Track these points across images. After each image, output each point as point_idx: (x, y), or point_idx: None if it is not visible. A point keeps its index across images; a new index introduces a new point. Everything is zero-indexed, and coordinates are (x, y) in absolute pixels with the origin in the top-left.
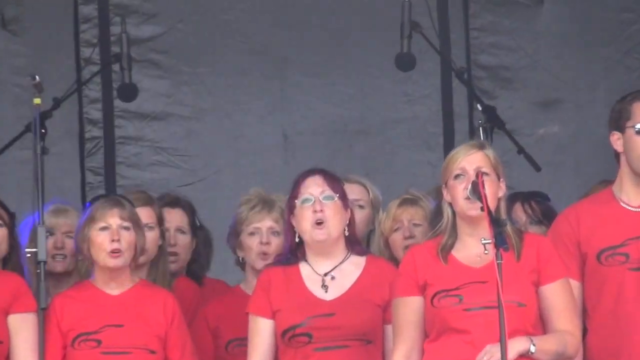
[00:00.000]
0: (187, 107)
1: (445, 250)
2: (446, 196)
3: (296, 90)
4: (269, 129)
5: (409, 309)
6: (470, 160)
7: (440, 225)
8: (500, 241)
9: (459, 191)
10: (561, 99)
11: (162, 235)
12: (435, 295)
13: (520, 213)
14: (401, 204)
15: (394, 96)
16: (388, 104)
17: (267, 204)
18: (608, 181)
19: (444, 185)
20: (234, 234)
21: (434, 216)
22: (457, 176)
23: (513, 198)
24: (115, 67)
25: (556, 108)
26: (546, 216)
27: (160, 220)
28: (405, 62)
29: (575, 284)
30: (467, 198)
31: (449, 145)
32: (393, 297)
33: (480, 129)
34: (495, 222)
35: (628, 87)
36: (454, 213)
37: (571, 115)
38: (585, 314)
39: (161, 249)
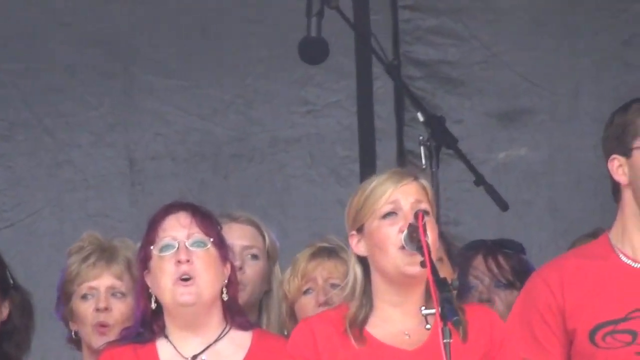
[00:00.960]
0: None
1: (357, 326)
2: (356, 248)
3: (146, 95)
4: (108, 151)
5: None
6: (404, 191)
7: (346, 291)
8: (449, 311)
9: (391, 237)
10: (531, 109)
11: None
12: None
13: (482, 271)
14: (314, 256)
15: (289, 105)
16: (280, 116)
17: (105, 253)
18: (596, 232)
19: (353, 233)
20: (63, 298)
21: None
22: (385, 215)
23: (472, 249)
24: None
25: (523, 122)
26: (520, 276)
27: None
28: (314, 51)
29: None
30: (403, 248)
31: (367, 174)
32: None
33: (422, 148)
34: (442, 283)
35: (626, 92)
36: (365, 272)
37: (545, 133)
38: None
39: None
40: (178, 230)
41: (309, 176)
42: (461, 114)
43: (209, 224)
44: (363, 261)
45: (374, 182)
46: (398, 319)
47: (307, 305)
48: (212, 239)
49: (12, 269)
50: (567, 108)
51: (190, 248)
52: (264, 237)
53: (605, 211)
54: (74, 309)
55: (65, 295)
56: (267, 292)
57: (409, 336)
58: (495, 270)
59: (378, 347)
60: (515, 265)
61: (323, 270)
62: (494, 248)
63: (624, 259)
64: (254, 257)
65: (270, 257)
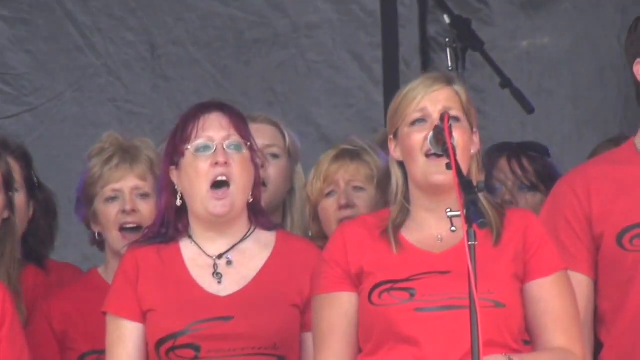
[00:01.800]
0: None
1: (393, 230)
2: (394, 152)
3: None
4: (129, 35)
5: (336, 310)
6: (434, 98)
7: (388, 194)
8: (474, 214)
9: (418, 143)
10: None
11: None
12: (375, 287)
13: (506, 173)
14: (337, 158)
15: None
16: (302, 1)
17: (128, 155)
18: (618, 138)
19: (390, 137)
20: (85, 200)
21: (384, 178)
22: (415, 122)
23: (496, 152)
24: None
25: (547, 10)
26: (544, 179)
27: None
28: None
29: (583, 280)
30: (429, 155)
31: (390, 61)
32: (314, 293)
33: (448, 50)
34: (467, 186)
35: None
36: (405, 177)
37: (568, 21)
38: (599, 323)
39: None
40: (216, 130)
41: (331, 62)
42: (485, 1)
43: (244, 127)
44: (403, 165)
45: (408, 87)
46: (432, 223)
47: (330, 207)
48: (247, 143)
49: (33, 153)
50: None
51: (228, 150)
52: (284, 136)
53: (628, 101)
54: (97, 212)
55: (87, 198)
56: (291, 193)
57: (442, 240)
58: (519, 172)
59: (409, 249)
60: (539, 168)
61: (345, 173)
62: (518, 150)
63: None
64: (275, 156)
65: (292, 156)
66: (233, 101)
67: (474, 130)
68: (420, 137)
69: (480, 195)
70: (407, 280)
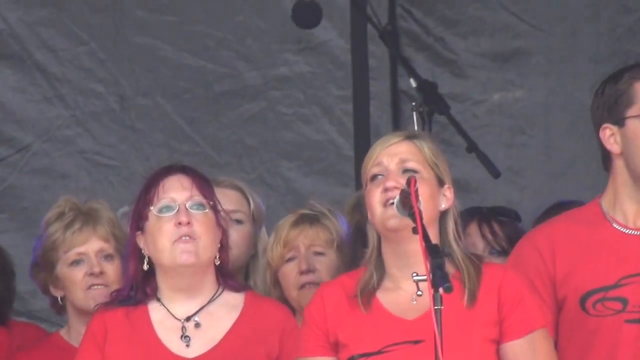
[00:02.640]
0: None
1: (367, 292)
2: (369, 213)
3: (137, 31)
4: (98, 87)
5: None
6: (391, 152)
7: (365, 257)
8: (440, 278)
9: (375, 195)
10: (526, 49)
11: None
12: None
13: (475, 238)
14: (296, 223)
15: (282, 42)
16: (272, 53)
17: (89, 218)
18: (573, 203)
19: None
20: (45, 266)
21: (351, 240)
22: (373, 178)
23: (466, 216)
24: None
25: (519, 63)
26: (514, 244)
27: None
28: (307, 15)
29: None
30: (386, 203)
31: (361, 114)
32: (296, 355)
33: (415, 114)
34: (433, 249)
35: (622, 33)
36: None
37: (541, 74)
38: None
39: None
40: (178, 191)
41: (301, 114)
42: (456, 55)
43: (207, 188)
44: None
45: (372, 147)
46: (407, 284)
47: (290, 273)
48: (211, 203)
49: (1, 204)
50: (563, 49)
51: (191, 210)
52: (248, 201)
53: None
54: (60, 276)
55: (47, 263)
56: (254, 256)
57: (417, 302)
58: (490, 237)
59: (382, 315)
60: (509, 232)
61: (305, 238)
62: (488, 215)
63: (615, 225)
64: (239, 221)
65: (256, 221)
66: (202, 153)
67: (447, 186)
68: (377, 191)
69: (458, 249)
70: (379, 353)
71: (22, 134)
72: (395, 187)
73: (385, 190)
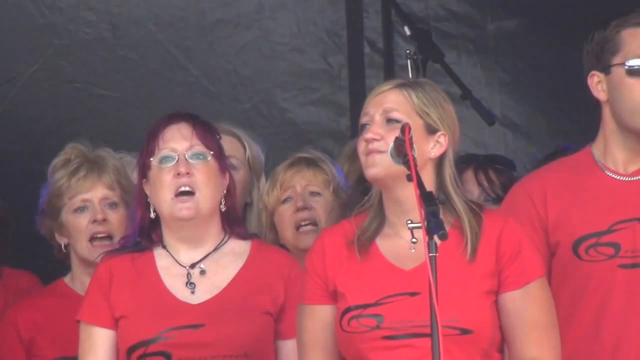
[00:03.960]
0: None
1: (365, 239)
2: None
3: None
4: (89, 15)
5: (318, 324)
6: (377, 102)
7: (366, 201)
8: (435, 225)
9: (360, 146)
10: None
11: None
12: (344, 313)
13: (471, 185)
14: (293, 165)
15: None
16: None
17: (95, 165)
18: (558, 153)
19: None
20: (51, 213)
21: (351, 188)
22: (362, 127)
23: (462, 163)
24: None
25: None
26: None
27: None
28: None
29: None
30: (368, 153)
31: (355, 40)
32: (299, 302)
33: (409, 62)
34: (428, 197)
35: None
36: None
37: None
38: None
39: None
40: (178, 141)
41: (295, 44)
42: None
43: (209, 136)
44: None
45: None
46: (405, 231)
47: (286, 212)
48: (212, 152)
49: None
50: None
51: (191, 160)
52: (244, 147)
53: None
54: (65, 223)
55: (53, 210)
56: (249, 205)
57: (415, 250)
58: (486, 184)
59: (380, 264)
60: (505, 181)
61: (302, 179)
62: (484, 163)
63: (607, 172)
64: (232, 167)
65: (253, 169)
66: (196, 83)
67: (440, 132)
68: (362, 140)
69: (457, 197)
70: (375, 304)
71: (12, 64)
72: (374, 139)
73: (366, 141)
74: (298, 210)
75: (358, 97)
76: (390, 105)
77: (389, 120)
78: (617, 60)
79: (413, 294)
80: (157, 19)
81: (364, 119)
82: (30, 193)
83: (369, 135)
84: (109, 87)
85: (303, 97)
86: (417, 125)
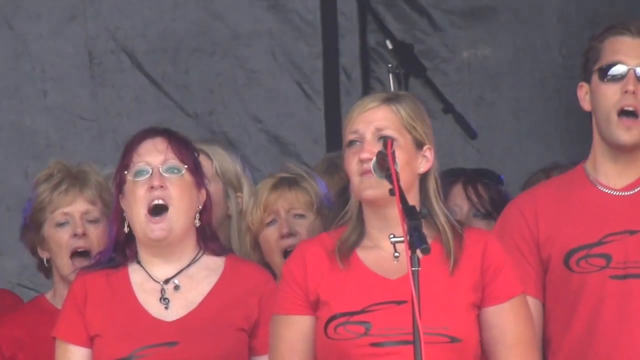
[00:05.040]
0: None
1: (345, 249)
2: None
3: None
4: (67, 44)
5: (296, 335)
6: (367, 118)
7: (345, 214)
8: (417, 240)
9: (352, 164)
10: (495, 7)
11: None
12: (330, 320)
13: (460, 200)
14: (275, 187)
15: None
16: (241, 10)
17: (77, 180)
18: (554, 168)
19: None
20: (33, 226)
21: (334, 203)
22: (349, 143)
23: (450, 177)
24: None
25: (487, 21)
26: (498, 207)
27: None
28: None
29: (532, 302)
30: (363, 174)
31: (330, 71)
32: (273, 312)
33: (391, 76)
34: (410, 211)
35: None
36: None
37: (509, 32)
38: (546, 346)
39: None
40: (153, 155)
41: (271, 71)
42: (425, 12)
43: (184, 150)
44: None
45: (352, 108)
46: (386, 244)
47: (271, 237)
48: (187, 166)
49: None
50: (531, 6)
51: (165, 174)
52: (211, 159)
53: (569, 112)
54: (47, 237)
55: (35, 224)
56: (229, 219)
57: (398, 262)
58: (475, 199)
59: (364, 273)
60: (493, 195)
61: (285, 202)
62: (473, 177)
63: (599, 187)
64: None
65: (225, 181)
66: (172, 109)
67: (427, 147)
68: (354, 159)
69: (439, 211)
70: (362, 312)
71: None
72: (370, 159)
73: (361, 161)
74: (283, 236)
75: (334, 124)
76: (382, 123)
77: (381, 138)
78: (595, 67)
79: (400, 302)
80: (134, 46)
81: (352, 136)
82: None
83: (364, 155)
84: (86, 114)
85: (279, 123)
86: (406, 141)
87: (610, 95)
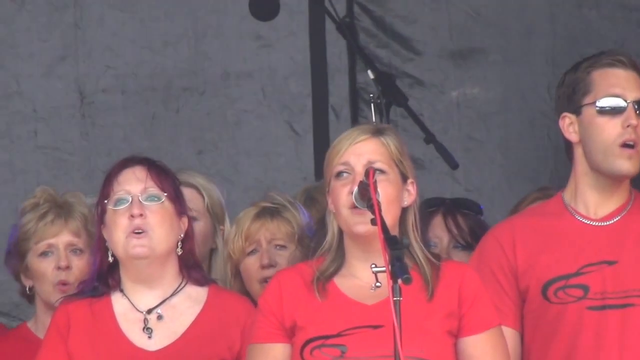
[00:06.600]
0: None
1: (324, 279)
2: (330, 204)
3: (97, 27)
4: (58, 83)
5: None
6: (357, 151)
7: (324, 246)
8: (399, 269)
9: (342, 197)
10: (484, 48)
11: None
12: (306, 343)
13: (440, 231)
14: (257, 217)
15: (241, 39)
16: (231, 50)
17: (62, 210)
18: (550, 188)
19: (327, 189)
20: (17, 254)
21: (316, 230)
22: (338, 175)
23: (430, 207)
24: None
25: (476, 61)
26: (478, 238)
27: None
28: (264, 8)
29: (509, 333)
30: (354, 207)
31: (319, 110)
32: (249, 342)
33: (372, 106)
34: (392, 241)
35: (579, 32)
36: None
37: (498, 72)
38: None
39: None
40: (133, 184)
41: (260, 111)
42: (414, 52)
43: (164, 178)
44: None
45: (337, 139)
46: (366, 273)
47: (252, 266)
48: (166, 194)
49: None
50: (520, 47)
51: (145, 202)
52: (203, 196)
53: (557, 151)
54: (30, 266)
55: (19, 252)
56: (214, 251)
57: (373, 290)
58: (455, 231)
59: (341, 299)
60: (473, 226)
61: (266, 232)
62: (452, 208)
63: (577, 217)
64: (193, 218)
65: (214, 215)
66: (162, 149)
67: (410, 180)
68: (344, 191)
69: (416, 244)
70: (338, 335)
71: None
72: None
73: (351, 192)
74: (264, 267)
75: (323, 163)
76: (373, 156)
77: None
78: (587, 100)
79: (376, 327)
80: (125, 86)
81: (341, 167)
82: None
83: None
84: (77, 153)
85: (268, 162)
86: (395, 175)
87: (610, 129)
